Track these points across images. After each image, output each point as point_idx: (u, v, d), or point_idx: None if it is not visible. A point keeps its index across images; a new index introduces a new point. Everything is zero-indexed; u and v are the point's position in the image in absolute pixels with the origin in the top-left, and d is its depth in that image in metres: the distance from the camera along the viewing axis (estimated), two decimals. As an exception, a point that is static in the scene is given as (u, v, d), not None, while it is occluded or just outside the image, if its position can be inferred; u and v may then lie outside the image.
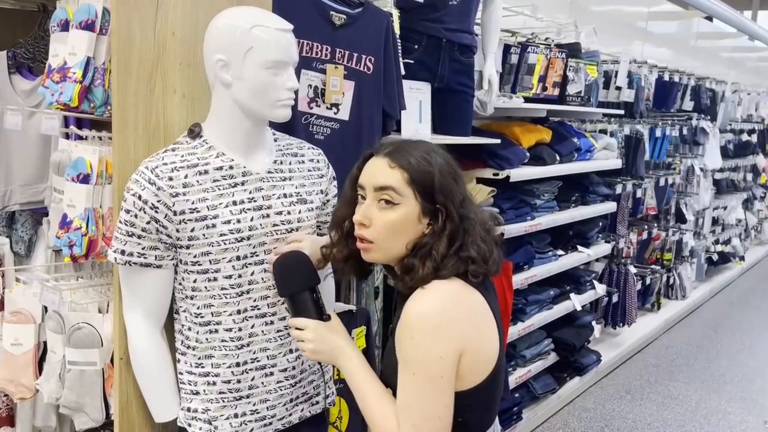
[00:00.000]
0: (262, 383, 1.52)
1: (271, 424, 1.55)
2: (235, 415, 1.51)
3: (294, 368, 1.56)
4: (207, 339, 1.49)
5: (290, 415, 1.58)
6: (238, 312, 1.48)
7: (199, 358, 1.50)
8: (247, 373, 1.51)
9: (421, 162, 1.24)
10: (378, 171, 1.25)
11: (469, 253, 1.22)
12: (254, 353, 1.51)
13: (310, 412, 1.63)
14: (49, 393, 1.76)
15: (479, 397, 1.25)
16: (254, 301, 1.49)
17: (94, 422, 1.75)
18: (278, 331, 1.53)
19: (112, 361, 1.67)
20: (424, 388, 1.17)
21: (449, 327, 1.17)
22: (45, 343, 1.83)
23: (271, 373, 1.53)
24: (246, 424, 1.52)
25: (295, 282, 1.37)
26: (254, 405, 1.52)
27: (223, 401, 1.50)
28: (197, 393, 1.51)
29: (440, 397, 1.18)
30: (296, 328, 1.33)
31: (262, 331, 1.51)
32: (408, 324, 1.18)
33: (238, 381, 1.50)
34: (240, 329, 1.49)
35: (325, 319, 1.34)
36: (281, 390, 1.55)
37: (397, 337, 1.22)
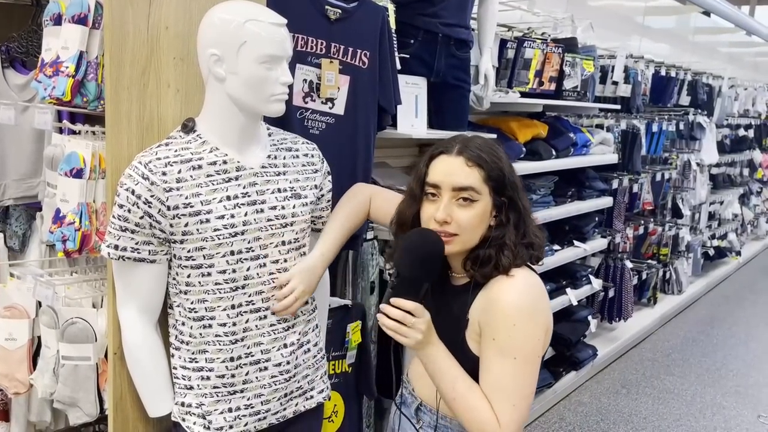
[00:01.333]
0: (256, 378, 1.52)
1: (265, 418, 1.55)
2: (230, 410, 1.51)
3: (288, 363, 1.56)
4: (201, 334, 1.49)
5: (284, 409, 1.58)
6: (233, 307, 1.48)
7: (193, 353, 1.50)
8: (241, 367, 1.51)
9: (494, 158, 1.32)
10: (457, 170, 1.31)
11: (531, 240, 1.34)
12: (248, 348, 1.50)
13: (304, 406, 1.63)
14: (43, 388, 1.76)
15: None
16: (249, 296, 1.49)
17: (88, 417, 1.75)
18: (272, 326, 1.53)
19: (106, 356, 1.67)
20: (524, 369, 1.26)
21: (541, 310, 1.30)
22: (39, 338, 1.83)
23: (265, 368, 1.53)
24: (240, 419, 1.52)
25: (431, 271, 1.31)
26: (248, 399, 1.52)
27: (217, 396, 1.50)
28: (191, 388, 1.51)
29: (535, 375, 1.29)
30: (403, 310, 1.24)
31: (256, 326, 1.51)
32: (506, 313, 1.26)
33: (232, 375, 1.50)
34: (234, 324, 1.48)
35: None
36: (275, 384, 1.55)
37: (482, 327, 1.29)
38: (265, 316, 1.52)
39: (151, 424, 1.65)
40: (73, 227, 1.57)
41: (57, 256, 1.74)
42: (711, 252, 6.85)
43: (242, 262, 1.47)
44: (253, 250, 1.48)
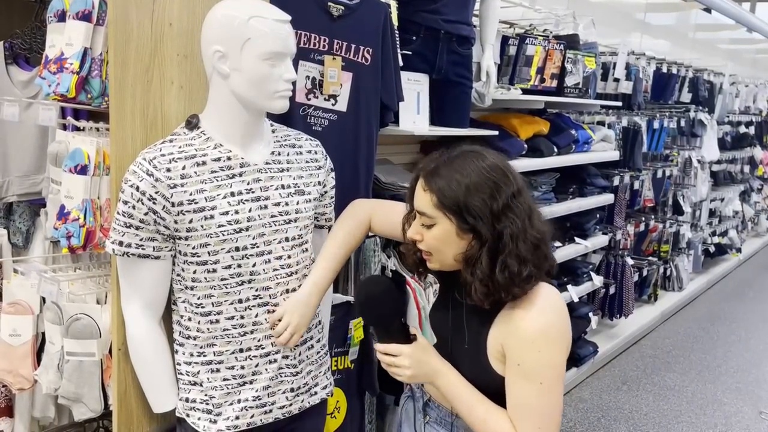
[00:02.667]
0: (266, 369, 1.53)
1: (271, 411, 1.56)
2: (238, 401, 1.52)
3: (294, 358, 1.57)
4: (208, 329, 1.49)
5: (290, 405, 1.59)
6: (240, 301, 1.49)
7: (201, 347, 1.51)
8: (251, 359, 1.51)
9: (451, 183, 1.25)
10: (417, 194, 1.31)
11: (511, 269, 1.23)
12: (258, 340, 1.51)
13: (309, 402, 1.64)
14: (47, 384, 1.76)
15: None
16: (256, 290, 1.50)
17: (92, 412, 1.76)
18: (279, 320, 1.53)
19: (110, 351, 1.68)
20: (550, 392, 1.24)
21: (564, 330, 1.27)
22: (43, 334, 1.84)
23: (275, 360, 1.54)
24: (247, 410, 1.52)
25: (384, 314, 1.35)
26: (257, 391, 1.53)
27: (227, 388, 1.51)
28: (197, 383, 1.52)
29: (560, 396, 1.26)
30: (386, 354, 1.33)
31: (266, 320, 1.51)
32: (530, 339, 1.23)
33: (242, 367, 1.51)
34: (242, 317, 1.49)
35: (412, 340, 1.34)
36: (282, 377, 1.56)
37: (505, 350, 1.27)
38: (274, 311, 1.52)
39: (155, 419, 1.66)
40: (78, 223, 1.58)
41: (61, 253, 1.74)
42: (711, 249, 6.85)
43: (247, 258, 1.48)
44: (257, 246, 1.49)
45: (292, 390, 1.59)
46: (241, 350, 1.51)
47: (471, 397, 1.30)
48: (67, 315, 1.71)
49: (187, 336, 1.52)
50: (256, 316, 1.50)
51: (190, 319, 1.51)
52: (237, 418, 1.52)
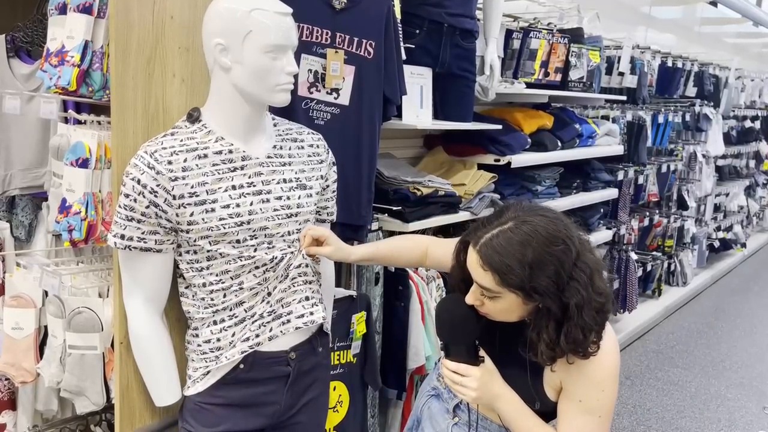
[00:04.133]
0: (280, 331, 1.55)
1: (289, 321, 1.57)
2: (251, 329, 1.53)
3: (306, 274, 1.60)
4: (223, 297, 1.50)
5: (310, 314, 1.59)
6: (242, 289, 1.49)
7: (221, 318, 1.51)
8: (261, 316, 1.53)
9: (512, 264, 1.21)
10: (475, 268, 1.28)
11: (576, 336, 1.24)
12: (271, 304, 1.53)
13: (322, 318, 1.63)
14: (50, 377, 1.77)
15: None
16: (258, 281, 1.50)
17: (94, 406, 1.76)
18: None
19: (112, 345, 1.68)
20: (605, 425, 1.32)
21: (619, 369, 1.34)
22: (46, 327, 1.84)
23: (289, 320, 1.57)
24: (264, 325, 1.53)
25: (468, 334, 1.35)
26: (271, 305, 1.54)
27: (242, 331, 1.52)
28: (227, 346, 1.52)
29: (609, 425, 1.35)
30: (455, 372, 1.33)
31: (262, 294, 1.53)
32: (596, 380, 1.30)
33: (244, 319, 1.52)
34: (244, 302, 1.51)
35: (480, 362, 1.34)
36: (294, 287, 1.58)
37: (567, 385, 1.32)
38: (274, 310, 1.53)
39: (158, 413, 1.66)
40: (79, 217, 1.58)
41: (63, 246, 1.74)
42: (716, 244, 6.83)
43: (248, 250, 1.47)
44: (258, 239, 1.48)
45: (307, 298, 1.59)
46: (253, 314, 1.52)
47: (532, 422, 1.34)
48: (70, 308, 1.71)
49: (201, 317, 1.52)
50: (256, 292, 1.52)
51: (203, 299, 1.51)
52: (254, 332, 1.52)
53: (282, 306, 1.54)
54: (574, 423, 1.32)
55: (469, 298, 1.32)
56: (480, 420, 1.43)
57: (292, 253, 1.54)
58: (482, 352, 1.35)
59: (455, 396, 1.46)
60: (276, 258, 1.51)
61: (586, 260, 1.25)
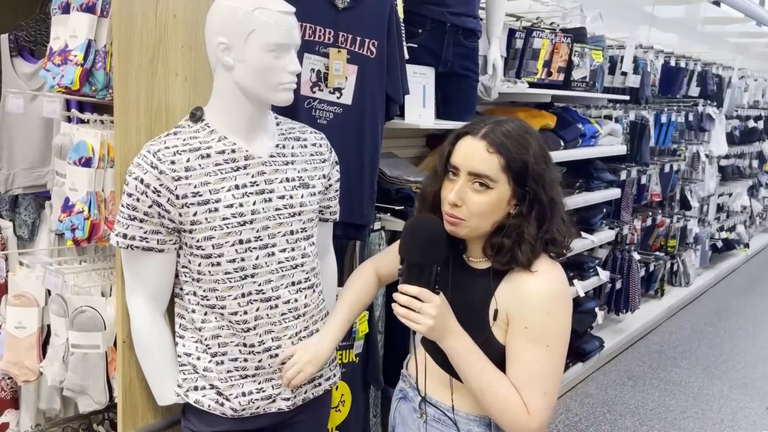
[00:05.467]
0: (269, 364, 1.53)
1: (275, 401, 1.56)
2: (243, 394, 1.52)
3: None
4: (216, 318, 1.49)
5: (295, 397, 1.59)
6: (242, 296, 1.48)
7: (206, 338, 1.51)
8: (254, 354, 1.51)
9: (519, 148, 1.27)
10: (476, 155, 1.27)
11: (554, 235, 1.29)
12: (260, 336, 1.51)
13: (313, 393, 1.63)
14: (52, 376, 1.77)
15: None
16: (258, 285, 1.49)
17: (97, 404, 1.76)
18: (282, 315, 1.53)
19: (115, 344, 1.68)
20: (556, 356, 1.27)
21: (568, 298, 1.31)
22: (48, 326, 1.84)
23: (276, 355, 1.54)
24: (253, 402, 1.53)
25: (435, 253, 1.27)
26: (260, 384, 1.53)
27: (231, 380, 1.51)
28: (200, 374, 1.52)
29: (563, 362, 1.30)
30: (416, 297, 1.24)
31: (267, 315, 1.51)
32: (541, 301, 1.26)
33: (245, 360, 1.51)
34: (245, 312, 1.49)
35: (436, 292, 1.28)
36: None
37: (512, 314, 1.28)
38: (276, 305, 1.52)
39: (160, 411, 1.66)
40: (82, 216, 1.58)
41: (66, 245, 1.74)
42: (719, 244, 6.81)
43: (251, 251, 1.47)
44: (261, 239, 1.48)
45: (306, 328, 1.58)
46: (244, 345, 1.50)
47: (481, 362, 1.29)
48: (72, 307, 1.71)
49: (194, 328, 1.52)
50: (257, 310, 1.50)
51: (194, 311, 1.51)
52: (244, 410, 1.52)
53: (273, 340, 1.53)
54: (523, 356, 1.26)
55: (452, 197, 1.28)
56: (447, 411, 1.40)
57: (293, 250, 1.54)
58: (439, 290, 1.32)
59: (419, 393, 1.45)
60: (278, 258, 1.51)
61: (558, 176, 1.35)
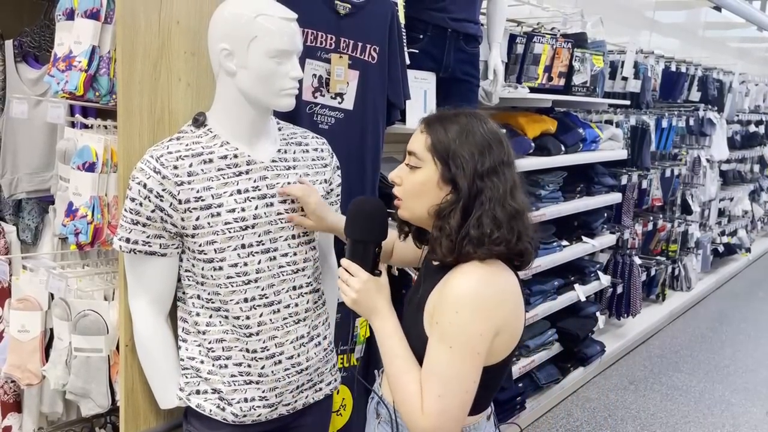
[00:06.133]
0: (272, 372, 1.53)
1: (276, 409, 1.57)
2: (245, 399, 1.52)
3: (299, 355, 1.57)
4: (220, 322, 1.50)
5: (296, 401, 1.60)
6: (245, 300, 1.49)
7: (210, 342, 1.51)
8: (257, 360, 1.52)
9: (449, 129, 1.27)
10: (414, 136, 1.32)
11: (470, 231, 1.21)
12: (263, 342, 1.52)
13: (313, 398, 1.64)
14: (55, 379, 1.78)
15: (498, 374, 1.30)
16: (261, 289, 1.50)
17: (100, 408, 1.77)
18: (284, 319, 1.54)
19: (117, 348, 1.69)
20: (458, 361, 1.19)
21: (491, 306, 1.21)
22: (51, 329, 1.85)
23: (280, 362, 1.54)
24: (255, 409, 1.53)
25: (370, 231, 1.35)
26: (263, 392, 1.54)
27: (234, 384, 1.52)
28: (203, 377, 1.53)
29: (471, 372, 1.20)
30: (347, 271, 1.32)
31: (270, 320, 1.52)
32: (453, 299, 1.20)
33: (249, 366, 1.52)
34: (248, 317, 1.49)
35: (376, 274, 1.33)
36: (289, 378, 1.56)
37: (433, 309, 1.25)
38: (278, 310, 1.53)
39: (162, 415, 1.67)
40: (86, 220, 1.59)
41: (69, 249, 1.75)
42: (720, 248, 6.81)
43: (253, 255, 1.48)
44: (263, 244, 1.49)
45: (297, 387, 1.59)
46: (247, 350, 1.51)
47: (398, 349, 1.26)
48: (75, 311, 1.72)
49: (198, 331, 1.53)
50: (261, 315, 1.51)
51: (199, 314, 1.52)
52: (245, 416, 1.53)
53: (276, 346, 1.54)
54: (430, 351, 1.22)
55: (393, 174, 1.33)
56: (397, 415, 1.34)
57: (295, 255, 1.55)
58: (382, 269, 1.35)
59: (375, 394, 1.45)
60: (279, 262, 1.52)
61: (514, 174, 1.28)
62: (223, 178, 1.45)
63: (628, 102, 4.54)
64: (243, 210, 1.46)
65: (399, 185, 1.33)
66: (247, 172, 1.48)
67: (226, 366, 1.52)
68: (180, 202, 1.42)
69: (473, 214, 1.23)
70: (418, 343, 1.26)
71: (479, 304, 1.20)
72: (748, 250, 7.37)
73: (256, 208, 1.48)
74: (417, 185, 1.29)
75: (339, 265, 1.35)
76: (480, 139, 1.26)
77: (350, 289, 1.31)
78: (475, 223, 1.22)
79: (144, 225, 1.43)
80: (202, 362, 1.53)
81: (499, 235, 1.22)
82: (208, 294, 1.49)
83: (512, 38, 3.23)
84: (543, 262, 3.40)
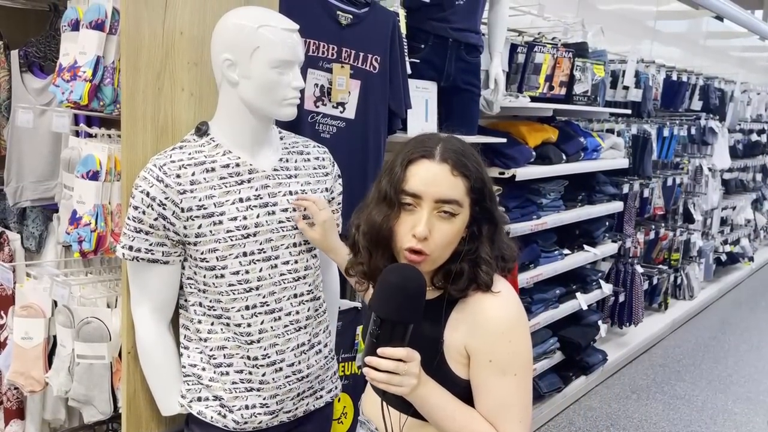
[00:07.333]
0: (273, 379, 1.54)
1: (277, 416, 1.57)
2: (246, 407, 1.53)
3: (300, 363, 1.58)
4: (222, 329, 1.51)
5: (296, 408, 1.60)
6: (247, 308, 1.50)
7: (211, 349, 1.52)
8: (258, 368, 1.53)
9: (477, 167, 1.20)
10: (442, 181, 1.16)
11: (503, 252, 1.23)
12: (264, 349, 1.52)
13: (314, 405, 1.65)
14: (58, 386, 1.78)
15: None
16: (263, 297, 1.51)
17: (102, 415, 1.77)
18: (285, 327, 1.55)
19: (120, 355, 1.70)
20: (524, 383, 1.21)
21: (526, 322, 1.24)
22: (55, 337, 1.86)
23: (280, 369, 1.55)
24: (256, 416, 1.54)
25: (413, 312, 1.12)
26: (264, 399, 1.54)
27: (235, 392, 1.53)
28: (204, 384, 1.54)
29: (530, 385, 1.24)
30: (401, 360, 1.10)
31: (271, 327, 1.53)
32: (502, 329, 1.18)
33: (250, 373, 1.53)
34: (249, 325, 1.51)
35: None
36: (289, 385, 1.57)
37: (474, 348, 1.19)
38: (279, 318, 1.54)
39: (164, 422, 1.68)
40: (89, 228, 1.60)
41: (73, 257, 1.77)
42: (723, 257, 6.80)
43: (254, 263, 1.49)
44: (264, 252, 1.50)
45: (298, 395, 1.60)
46: (248, 357, 1.52)
47: (451, 405, 1.20)
48: (78, 318, 1.73)
49: (199, 338, 1.54)
50: (262, 323, 1.52)
51: (201, 322, 1.53)
52: (246, 423, 1.53)
53: (277, 353, 1.55)
54: (493, 389, 1.18)
55: (422, 230, 1.14)
56: None
57: (296, 263, 1.56)
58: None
59: (362, 414, 1.38)
60: (280, 270, 1.53)
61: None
62: (226, 186, 1.47)
63: (629, 111, 4.56)
64: (245, 218, 1.47)
65: (428, 240, 1.15)
66: (249, 181, 1.50)
67: (227, 373, 1.53)
68: (182, 210, 1.43)
69: (497, 239, 1.23)
70: (452, 388, 1.21)
71: (522, 325, 1.22)
72: (751, 258, 7.35)
73: (258, 216, 1.49)
74: (454, 235, 1.17)
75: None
76: (481, 160, 1.23)
77: (408, 378, 1.11)
78: (505, 243, 1.24)
79: (147, 233, 1.44)
80: (203, 369, 1.54)
81: (512, 249, 1.26)
82: (210, 301, 1.50)
83: (513, 48, 3.25)
84: (544, 270, 3.41)
